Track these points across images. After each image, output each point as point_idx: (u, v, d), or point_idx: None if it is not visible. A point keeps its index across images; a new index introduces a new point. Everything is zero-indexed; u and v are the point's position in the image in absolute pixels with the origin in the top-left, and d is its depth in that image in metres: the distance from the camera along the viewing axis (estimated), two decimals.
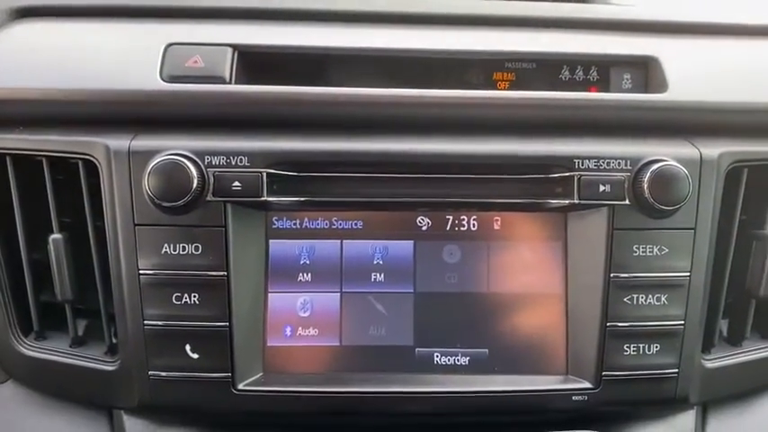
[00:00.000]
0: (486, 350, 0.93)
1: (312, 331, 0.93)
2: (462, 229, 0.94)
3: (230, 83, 0.92)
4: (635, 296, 0.91)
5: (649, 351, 0.92)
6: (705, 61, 1.00)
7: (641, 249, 0.91)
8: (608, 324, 0.91)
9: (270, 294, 0.92)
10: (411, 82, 0.94)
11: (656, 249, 0.91)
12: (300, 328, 0.93)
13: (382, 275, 0.93)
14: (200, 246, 0.87)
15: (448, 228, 0.94)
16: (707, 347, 0.99)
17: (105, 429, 0.95)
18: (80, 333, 0.97)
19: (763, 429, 1.03)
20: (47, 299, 0.96)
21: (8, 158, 0.92)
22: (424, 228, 0.94)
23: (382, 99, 0.93)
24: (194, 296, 0.88)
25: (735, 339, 1.02)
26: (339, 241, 0.93)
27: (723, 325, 1.04)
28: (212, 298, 0.88)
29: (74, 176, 0.92)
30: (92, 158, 0.89)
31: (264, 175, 0.88)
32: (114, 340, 0.94)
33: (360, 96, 0.92)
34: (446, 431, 0.96)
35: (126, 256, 0.88)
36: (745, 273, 0.99)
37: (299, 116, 0.93)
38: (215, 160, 0.87)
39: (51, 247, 0.92)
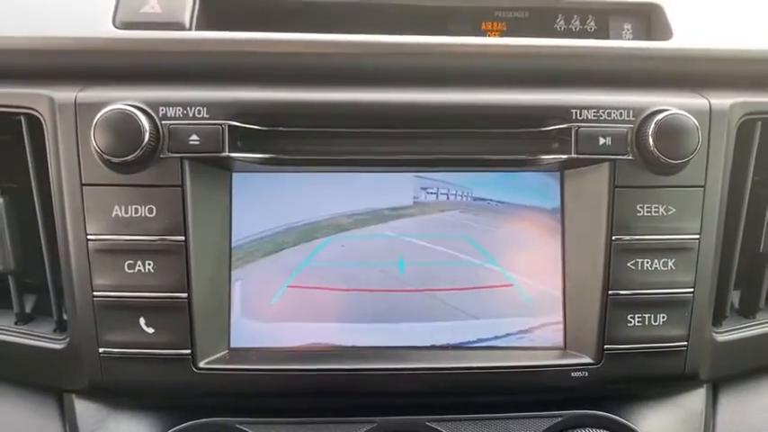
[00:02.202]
0: (476, 323, 0.84)
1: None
2: None
3: (190, 29, 0.84)
4: (639, 261, 0.82)
5: (655, 322, 0.83)
6: (713, 7, 0.92)
7: (646, 209, 0.82)
8: (610, 292, 0.82)
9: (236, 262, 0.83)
10: (392, 31, 0.85)
11: (662, 209, 0.82)
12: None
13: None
14: (154, 207, 0.79)
15: None
16: (718, 319, 0.90)
17: (55, 414, 0.87)
18: (27, 309, 0.88)
19: None
20: None
21: None
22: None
23: (361, 47, 0.84)
24: (149, 264, 0.79)
25: (747, 310, 0.93)
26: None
27: (735, 296, 0.95)
28: (169, 265, 0.79)
29: (18, 135, 0.83)
30: (35, 113, 0.80)
31: (226, 127, 0.79)
32: (64, 316, 0.85)
33: (335, 44, 0.84)
34: (434, 412, 0.87)
35: (73, 220, 0.79)
36: (758, 237, 0.90)
37: (266, 66, 0.84)
38: (170, 112, 0.79)
39: None
